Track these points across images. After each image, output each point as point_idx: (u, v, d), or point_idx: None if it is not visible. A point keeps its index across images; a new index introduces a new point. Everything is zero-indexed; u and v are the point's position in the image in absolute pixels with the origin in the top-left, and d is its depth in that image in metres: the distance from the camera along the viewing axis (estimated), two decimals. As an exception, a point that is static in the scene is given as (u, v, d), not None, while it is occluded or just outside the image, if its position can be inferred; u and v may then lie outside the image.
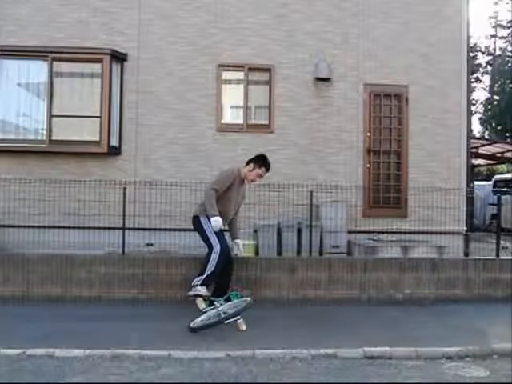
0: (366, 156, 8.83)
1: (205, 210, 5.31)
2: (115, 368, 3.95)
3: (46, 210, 7.76)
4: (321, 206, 7.96)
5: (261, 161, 5.67)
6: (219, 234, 5.28)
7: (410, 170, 8.84)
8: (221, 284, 5.44)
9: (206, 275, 5.14)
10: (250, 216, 7.53)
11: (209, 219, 5.23)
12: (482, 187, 16.21)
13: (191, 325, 4.89)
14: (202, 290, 5.10)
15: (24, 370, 3.87)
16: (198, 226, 5.39)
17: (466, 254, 8.09)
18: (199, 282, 5.12)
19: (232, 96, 8.92)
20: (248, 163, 5.69)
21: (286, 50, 8.77)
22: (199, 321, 4.94)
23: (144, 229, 7.98)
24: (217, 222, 5.16)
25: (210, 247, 5.22)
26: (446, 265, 6.56)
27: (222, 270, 5.29)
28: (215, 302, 5.10)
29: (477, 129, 34.27)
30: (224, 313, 4.95)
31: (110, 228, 7.54)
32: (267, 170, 5.71)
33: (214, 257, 5.15)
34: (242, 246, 5.82)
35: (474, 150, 14.36)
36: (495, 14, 36.35)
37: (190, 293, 5.15)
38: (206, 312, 5.02)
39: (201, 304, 5.07)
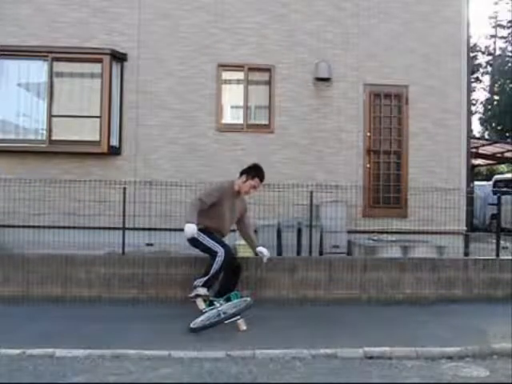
0: (365, 156, 8.83)
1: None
2: (115, 368, 3.95)
3: (45, 210, 7.76)
4: (321, 206, 7.96)
5: (253, 172, 5.45)
6: (216, 238, 5.20)
7: (410, 170, 8.84)
8: (226, 285, 5.41)
9: (208, 277, 5.09)
10: (249, 216, 7.51)
11: (200, 230, 5.11)
12: (482, 187, 16.20)
13: (191, 325, 4.88)
14: (202, 291, 5.06)
15: (24, 370, 3.87)
16: (192, 240, 5.24)
17: (466, 254, 8.09)
18: (200, 284, 5.09)
19: (232, 96, 8.92)
20: (241, 175, 5.51)
21: (286, 50, 8.77)
22: (199, 321, 4.93)
23: (144, 229, 7.98)
24: (189, 228, 4.91)
25: (214, 254, 5.12)
26: (446, 265, 6.56)
27: (226, 271, 5.27)
28: (215, 302, 5.10)
29: (477, 129, 34.31)
30: (224, 313, 4.95)
31: (109, 228, 7.54)
32: (261, 180, 5.49)
33: (219, 260, 5.08)
34: (267, 253, 5.68)
35: (474, 150, 14.36)
36: (495, 14, 36.40)
37: (191, 294, 5.12)
38: (205, 312, 5.02)
39: (201, 304, 5.06)
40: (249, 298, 5.19)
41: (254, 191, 5.60)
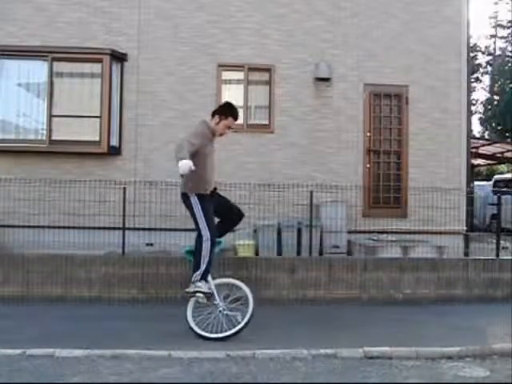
0: (365, 156, 8.83)
1: (191, 186, 4.99)
2: (115, 368, 3.94)
3: (45, 210, 7.74)
4: (321, 206, 7.95)
5: (226, 111, 5.16)
6: (207, 216, 4.97)
7: (410, 170, 8.84)
8: (223, 228, 5.29)
9: (203, 269, 4.90)
10: (249, 216, 7.52)
11: (198, 198, 4.95)
12: (482, 187, 16.19)
13: (204, 334, 4.76)
14: (203, 287, 4.88)
15: (24, 370, 3.86)
16: (188, 205, 5.05)
17: (466, 254, 8.09)
18: (198, 278, 4.91)
19: (232, 96, 8.88)
20: (213, 116, 5.16)
21: (286, 49, 8.77)
22: (193, 320, 4.87)
23: (144, 229, 7.98)
24: (186, 165, 4.47)
25: (199, 233, 4.96)
26: (446, 265, 6.56)
27: (224, 219, 5.23)
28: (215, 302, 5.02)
29: (477, 129, 34.31)
30: (233, 316, 4.83)
31: (109, 228, 7.53)
32: (235, 119, 5.18)
33: (206, 245, 4.90)
34: None
35: (474, 150, 14.36)
36: (495, 14, 36.47)
37: (189, 289, 4.94)
38: (200, 307, 4.93)
39: (203, 300, 4.95)
40: (249, 295, 4.94)
41: (229, 131, 5.32)
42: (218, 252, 5.28)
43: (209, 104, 8.61)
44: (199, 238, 4.98)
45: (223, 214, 5.30)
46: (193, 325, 4.87)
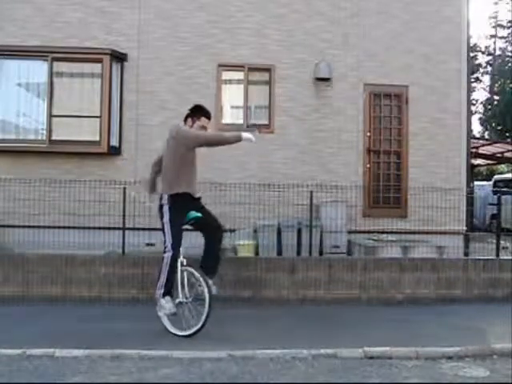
0: (365, 156, 8.83)
1: (168, 188, 4.96)
2: (115, 368, 3.94)
3: (45, 210, 7.75)
4: (321, 206, 7.96)
5: (197, 112, 5.25)
6: (175, 229, 4.90)
7: (410, 170, 8.83)
8: (207, 262, 5.14)
9: (163, 281, 4.85)
10: (249, 216, 7.52)
11: (170, 208, 4.90)
12: (482, 187, 16.20)
13: (182, 333, 4.79)
14: (166, 306, 4.83)
15: (24, 370, 3.87)
16: (160, 211, 5.03)
17: (466, 254, 8.09)
18: (161, 295, 4.86)
19: (232, 96, 8.91)
20: (185, 120, 5.26)
21: (286, 49, 8.77)
22: (169, 326, 4.87)
23: (144, 229, 7.96)
24: (250, 134, 4.89)
25: (165, 245, 4.93)
26: (446, 265, 6.56)
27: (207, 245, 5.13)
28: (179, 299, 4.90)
29: (477, 129, 34.28)
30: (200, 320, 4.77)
31: (109, 228, 7.53)
32: (208, 118, 5.26)
33: (166, 256, 4.85)
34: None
35: (474, 150, 14.36)
36: (495, 14, 36.37)
37: (158, 308, 4.93)
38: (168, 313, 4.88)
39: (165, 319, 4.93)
40: (206, 292, 4.81)
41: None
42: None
43: (209, 104, 8.58)
44: (164, 245, 4.95)
45: (202, 228, 5.18)
46: (169, 327, 4.88)
